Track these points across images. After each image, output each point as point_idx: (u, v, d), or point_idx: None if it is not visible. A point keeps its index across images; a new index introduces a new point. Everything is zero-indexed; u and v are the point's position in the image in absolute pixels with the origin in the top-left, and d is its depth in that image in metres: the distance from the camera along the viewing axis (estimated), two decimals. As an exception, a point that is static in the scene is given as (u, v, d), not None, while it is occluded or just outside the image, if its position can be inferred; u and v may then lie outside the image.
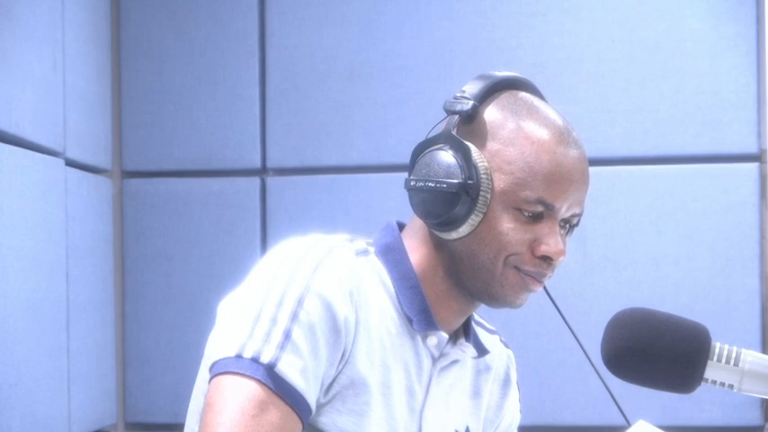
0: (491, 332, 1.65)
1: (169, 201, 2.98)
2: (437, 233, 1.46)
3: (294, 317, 1.34)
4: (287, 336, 1.33)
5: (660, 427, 1.36)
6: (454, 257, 1.46)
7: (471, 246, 1.43)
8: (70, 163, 2.64)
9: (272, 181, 2.95)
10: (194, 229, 2.97)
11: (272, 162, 2.95)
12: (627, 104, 2.83)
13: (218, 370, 1.34)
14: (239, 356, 1.33)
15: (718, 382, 1.21)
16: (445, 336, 1.49)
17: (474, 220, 1.42)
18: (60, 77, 2.58)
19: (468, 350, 1.53)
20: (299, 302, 1.35)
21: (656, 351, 1.22)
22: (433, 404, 1.50)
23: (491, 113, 1.45)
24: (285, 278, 1.37)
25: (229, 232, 2.94)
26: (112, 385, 2.94)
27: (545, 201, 1.42)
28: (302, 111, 2.94)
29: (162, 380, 2.96)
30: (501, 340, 1.66)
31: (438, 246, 1.47)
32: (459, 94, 1.46)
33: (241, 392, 1.31)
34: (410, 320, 1.46)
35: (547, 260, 1.43)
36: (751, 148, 2.79)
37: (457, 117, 1.45)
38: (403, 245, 1.49)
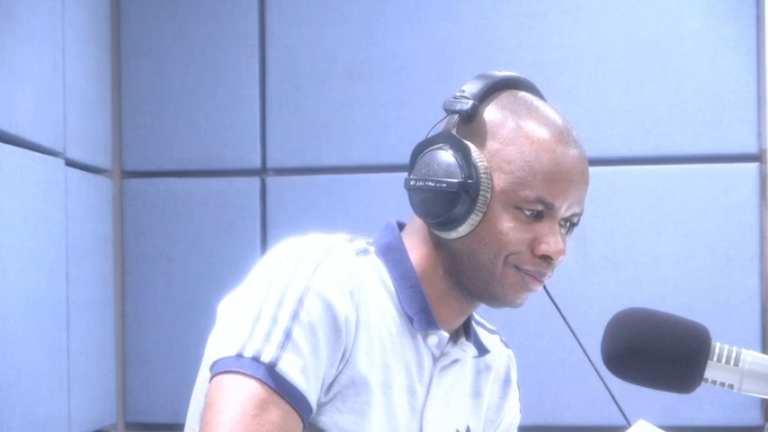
0: (491, 332, 1.65)
1: (169, 201, 2.98)
2: (437, 233, 1.46)
3: (295, 316, 1.34)
4: (287, 335, 1.33)
5: (660, 427, 1.36)
6: (454, 257, 1.46)
7: (471, 245, 1.43)
8: (70, 163, 2.64)
9: (272, 181, 2.95)
10: (194, 229, 2.97)
11: (272, 162, 2.95)
12: (627, 104, 2.83)
13: (218, 369, 1.34)
14: (240, 356, 1.33)
15: (718, 382, 1.21)
16: (446, 335, 1.49)
17: (474, 219, 1.42)
18: (60, 77, 2.58)
19: (468, 349, 1.53)
20: (300, 302, 1.35)
21: (656, 351, 1.22)
22: (434, 403, 1.50)
23: (491, 113, 1.45)
24: (285, 278, 1.37)
25: (229, 232, 2.94)
26: (112, 385, 2.94)
27: (545, 200, 1.42)
28: (302, 111, 2.94)
29: (162, 380, 2.96)
30: (501, 340, 1.66)
31: (438, 245, 1.47)
32: (458, 94, 1.46)
33: (242, 392, 1.31)
34: (411, 320, 1.46)
35: (547, 259, 1.43)
36: (751, 148, 2.79)
37: (457, 117, 1.45)
38: (403, 244, 1.50)
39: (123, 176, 3.02)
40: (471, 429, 1.57)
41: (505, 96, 1.47)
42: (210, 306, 1.48)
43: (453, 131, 1.44)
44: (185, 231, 2.97)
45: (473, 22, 2.88)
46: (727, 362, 1.20)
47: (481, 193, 1.41)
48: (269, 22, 2.95)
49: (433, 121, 1.51)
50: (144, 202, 2.99)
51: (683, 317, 1.24)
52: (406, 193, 1.48)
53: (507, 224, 1.42)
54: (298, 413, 1.33)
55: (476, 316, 1.60)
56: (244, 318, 1.36)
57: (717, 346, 1.21)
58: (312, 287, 1.36)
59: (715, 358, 1.20)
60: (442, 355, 1.50)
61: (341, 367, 1.39)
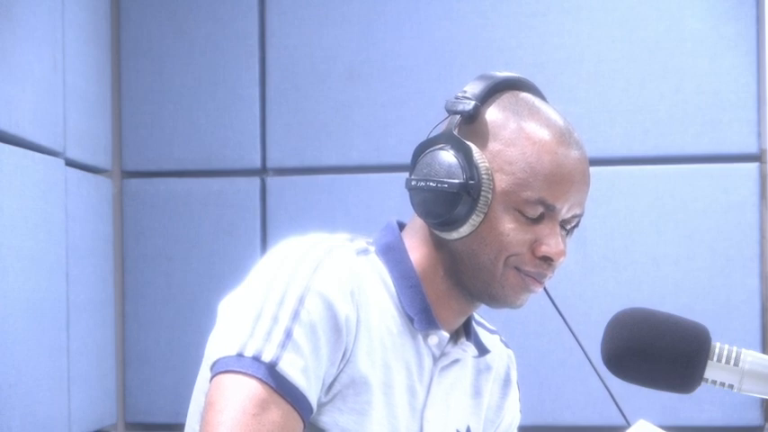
0: (491, 332, 1.65)
1: (169, 201, 2.98)
2: (438, 233, 1.46)
3: (295, 316, 1.34)
4: (288, 335, 1.33)
5: (660, 427, 1.36)
6: (455, 257, 1.46)
7: (472, 246, 1.44)
8: (70, 163, 2.64)
9: (272, 181, 2.95)
10: (194, 229, 2.97)
11: (272, 162, 2.95)
12: (627, 104, 2.83)
13: (219, 369, 1.34)
14: (240, 355, 1.33)
15: (718, 382, 1.21)
16: (446, 335, 1.49)
17: (475, 220, 1.42)
18: (60, 77, 2.58)
19: (468, 349, 1.54)
20: (300, 301, 1.35)
21: (656, 351, 1.22)
22: (435, 403, 1.50)
23: (492, 114, 1.46)
24: (286, 277, 1.37)
25: (229, 232, 2.94)
26: (112, 385, 2.94)
27: (546, 201, 1.42)
28: (302, 111, 2.94)
29: (162, 380, 2.96)
30: (501, 340, 1.66)
31: (438, 245, 1.47)
32: (460, 95, 1.46)
33: (242, 391, 1.31)
34: (411, 320, 1.46)
35: (547, 261, 1.44)
36: (751, 148, 2.79)
37: (458, 117, 1.45)
38: (403, 244, 1.50)
39: (123, 176, 3.02)
40: (471, 429, 1.57)
41: (507, 97, 1.47)
42: (210, 306, 1.48)
43: (455, 132, 1.44)
44: (185, 231, 2.97)
45: (473, 22, 2.88)
46: (727, 362, 1.20)
47: (482, 193, 1.41)
48: (269, 22, 2.95)
49: (434, 121, 1.51)
50: (144, 202, 2.99)
51: (683, 317, 1.24)
52: (406, 193, 1.48)
53: (508, 225, 1.42)
54: (298, 413, 1.33)
55: (476, 316, 1.60)
56: (244, 317, 1.36)
57: (717, 346, 1.21)
58: (313, 287, 1.36)
59: (715, 358, 1.20)
60: (443, 355, 1.50)
61: (341, 367, 1.39)
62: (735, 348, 1.21)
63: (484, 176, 1.42)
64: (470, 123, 1.45)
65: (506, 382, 1.65)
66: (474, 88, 1.46)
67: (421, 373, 1.48)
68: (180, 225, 2.97)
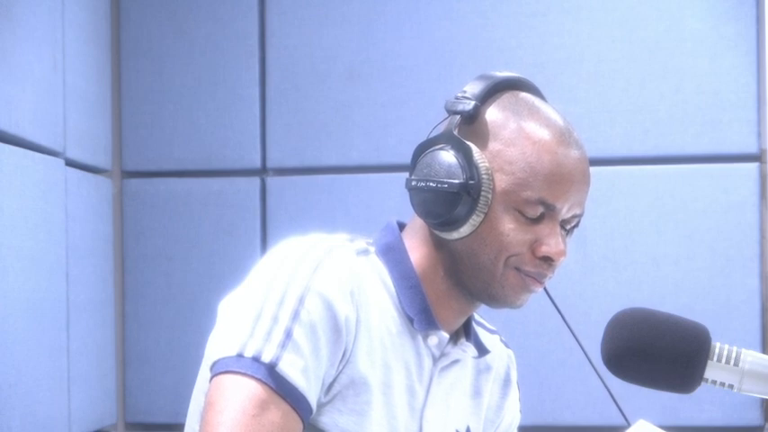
0: (491, 332, 1.65)
1: (169, 201, 2.98)
2: (438, 233, 1.46)
3: (295, 316, 1.34)
4: (288, 335, 1.33)
5: (660, 427, 1.36)
6: (455, 257, 1.46)
7: (472, 246, 1.44)
8: (70, 163, 2.64)
9: (272, 181, 2.95)
10: (194, 229, 2.97)
11: (272, 162, 2.95)
12: (627, 104, 2.83)
13: (218, 369, 1.34)
14: (240, 356, 1.33)
15: (718, 382, 1.21)
16: (446, 335, 1.49)
17: (475, 220, 1.42)
18: (60, 77, 2.58)
19: (468, 350, 1.53)
20: (300, 302, 1.35)
21: (656, 351, 1.22)
22: (434, 404, 1.50)
23: (492, 114, 1.45)
24: (286, 278, 1.37)
25: (229, 232, 2.94)
26: (112, 385, 2.94)
27: (546, 201, 1.42)
28: (302, 111, 2.94)
29: (162, 380, 2.96)
30: (501, 340, 1.66)
31: (439, 246, 1.47)
32: (460, 95, 1.46)
33: (242, 392, 1.31)
34: (411, 320, 1.46)
35: (547, 261, 1.43)
36: (751, 148, 2.79)
37: (458, 117, 1.45)
38: (403, 244, 1.50)
39: (123, 176, 3.02)
40: (471, 429, 1.57)
41: (507, 97, 1.47)
42: (210, 306, 1.48)
43: (455, 132, 1.44)
44: (185, 231, 2.97)
45: (473, 22, 2.88)
46: (727, 362, 1.20)
47: (482, 193, 1.41)
48: (269, 22, 2.95)
49: (434, 121, 1.51)
50: (144, 202, 2.99)
51: (683, 317, 1.24)
52: (406, 193, 1.48)
53: (508, 225, 1.42)
54: (298, 413, 1.33)
55: (476, 316, 1.60)
56: (244, 317, 1.36)
57: (717, 346, 1.21)
58: (312, 287, 1.36)
59: (715, 358, 1.20)
60: (442, 355, 1.50)
61: (341, 367, 1.39)
62: (735, 348, 1.21)
63: (484, 176, 1.42)
64: (470, 123, 1.45)
65: (506, 382, 1.64)
66: (474, 88, 1.46)
67: (420, 373, 1.48)
68: (180, 225, 2.97)
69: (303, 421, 1.34)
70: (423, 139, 1.48)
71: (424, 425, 1.49)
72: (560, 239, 1.44)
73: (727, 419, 2.77)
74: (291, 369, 1.32)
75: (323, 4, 2.94)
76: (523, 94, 1.48)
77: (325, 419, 1.39)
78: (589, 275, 2.82)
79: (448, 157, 1.43)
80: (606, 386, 1.50)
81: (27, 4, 2.40)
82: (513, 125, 1.44)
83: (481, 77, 1.48)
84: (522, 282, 1.45)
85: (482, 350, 1.56)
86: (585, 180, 1.46)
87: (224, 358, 1.34)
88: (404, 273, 1.48)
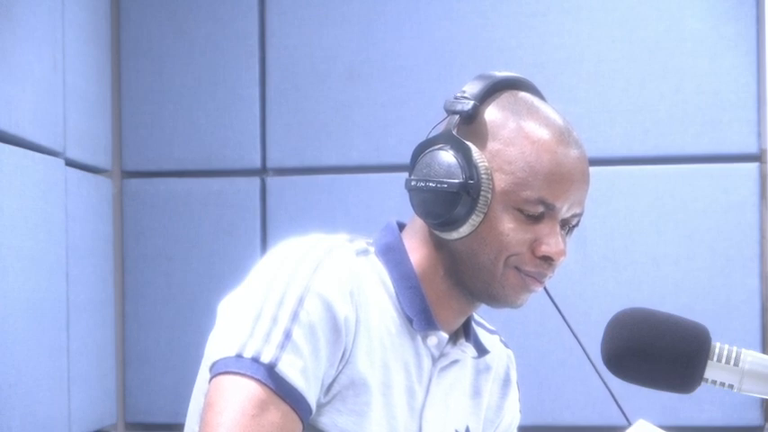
0: (491, 332, 1.65)
1: (169, 201, 2.98)
2: (438, 233, 1.46)
3: (294, 317, 1.34)
4: (287, 335, 1.33)
5: (660, 427, 1.36)
6: (455, 257, 1.46)
7: (472, 246, 1.43)
8: (70, 163, 2.64)
9: (272, 181, 2.95)
10: (194, 229, 2.97)
11: (272, 162, 2.95)
12: (627, 104, 2.83)
13: (218, 370, 1.34)
14: (240, 356, 1.33)
15: (718, 382, 1.21)
16: (445, 336, 1.49)
17: (475, 220, 1.42)
18: (60, 77, 2.58)
19: (468, 350, 1.53)
20: (300, 302, 1.35)
21: (656, 351, 1.22)
22: (433, 404, 1.50)
23: (491, 113, 1.45)
24: (285, 278, 1.37)
25: (229, 232, 2.94)
26: (112, 385, 2.94)
27: (546, 201, 1.42)
28: (302, 111, 2.94)
29: (162, 380, 2.96)
30: (501, 340, 1.66)
31: (438, 246, 1.47)
32: (459, 94, 1.46)
33: (241, 392, 1.31)
34: (410, 320, 1.46)
35: (547, 260, 1.43)
36: (751, 148, 2.79)
37: (457, 117, 1.45)
38: (403, 245, 1.49)
39: (123, 176, 3.02)
40: (471, 429, 1.57)
41: (506, 97, 1.47)
42: (210, 306, 1.48)
43: (454, 132, 1.44)
44: (185, 231, 2.97)
45: (473, 22, 2.88)
46: (727, 362, 1.20)
47: (482, 193, 1.41)
48: (269, 22, 2.95)
49: (434, 121, 1.51)
50: (144, 202, 2.99)
51: (683, 317, 1.24)
52: (406, 193, 1.48)
53: (508, 225, 1.42)
54: (297, 414, 1.33)
55: (475, 316, 1.60)
56: (244, 318, 1.36)
57: (717, 346, 1.21)
58: (312, 287, 1.36)
59: (715, 358, 1.20)
60: (442, 355, 1.50)
61: (340, 368, 1.39)
62: (735, 348, 1.21)
63: (483, 176, 1.42)
64: (469, 123, 1.45)
65: (506, 382, 1.64)
66: (473, 88, 1.46)
67: (420, 373, 1.48)
68: (180, 225, 2.97)
69: (302, 422, 1.34)
70: (422, 139, 1.48)
71: (423, 425, 1.49)
72: (560, 239, 1.44)
73: (727, 419, 2.77)
74: (291, 369, 1.32)
75: (323, 4, 2.94)
76: (522, 94, 1.48)
77: (325, 420, 1.39)
78: (589, 275, 2.82)
79: (447, 157, 1.43)
80: (607, 386, 1.50)
81: (27, 4, 2.40)
82: (512, 125, 1.44)
83: (480, 77, 1.48)
84: (522, 281, 1.44)
85: (481, 350, 1.56)
86: (585, 179, 1.46)
87: (223, 359, 1.34)
88: (403, 273, 1.48)
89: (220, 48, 2.96)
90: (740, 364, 1.19)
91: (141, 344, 2.98)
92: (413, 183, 1.46)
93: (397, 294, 1.47)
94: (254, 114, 2.95)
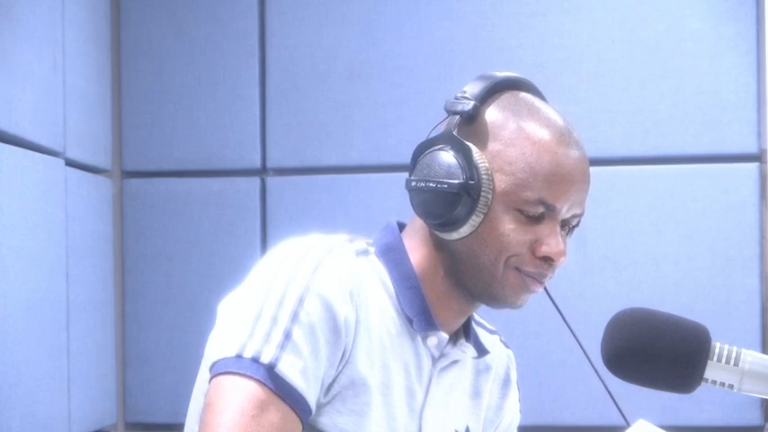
0: (491, 332, 1.65)
1: (169, 201, 2.98)
2: (438, 234, 1.46)
3: (294, 317, 1.34)
4: (287, 336, 1.33)
5: (660, 427, 1.36)
6: (455, 258, 1.46)
7: (472, 246, 1.43)
8: (70, 163, 2.64)
9: (272, 181, 2.95)
10: (194, 229, 2.97)
11: (272, 162, 2.95)
12: (627, 104, 2.83)
13: (218, 370, 1.34)
14: (239, 356, 1.33)
15: (718, 382, 1.21)
16: (445, 336, 1.49)
17: (475, 220, 1.42)
18: (60, 77, 2.58)
19: (468, 350, 1.53)
20: (300, 302, 1.35)
21: (656, 351, 1.22)
22: (433, 404, 1.50)
23: (492, 114, 1.45)
24: (285, 278, 1.37)
25: (229, 232, 2.94)
26: (112, 385, 2.94)
27: (546, 201, 1.42)
28: (302, 111, 2.94)
29: (162, 380, 2.96)
30: (501, 340, 1.66)
31: (438, 246, 1.47)
32: (460, 95, 1.46)
33: (241, 392, 1.31)
34: (410, 321, 1.46)
35: (548, 261, 1.43)
36: (751, 148, 2.79)
37: (458, 117, 1.45)
38: (403, 245, 1.49)
39: (123, 176, 3.02)
40: (471, 430, 1.57)
41: (507, 97, 1.47)
42: (210, 306, 1.48)
43: (455, 132, 1.44)
44: (185, 231, 2.97)
45: (473, 22, 2.88)
46: (727, 362, 1.20)
47: (482, 194, 1.41)
48: (269, 22, 2.95)
49: (434, 121, 1.51)
50: (144, 202, 2.99)
51: (683, 317, 1.24)
52: (406, 193, 1.48)
53: (508, 225, 1.42)
54: (297, 414, 1.33)
55: (475, 316, 1.60)
56: (244, 318, 1.36)
57: (717, 346, 1.21)
58: (312, 287, 1.36)
59: (715, 358, 1.20)
60: (442, 356, 1.50)
61: (340, 368, 1.39)
62: (735, 348, 1.21)
63: (484, 177, 1.41)
64: (470, 124, 1.45)
65: (506, 383, 1.64)
66: (473, 88, 1.46)
67: (420, 374, 1.48)
68: (180, 225, 2.97)
69: (302, 422, 1.34)
70: (423, 139, 1.48)
71: (423, 425, 1.49)
72: (560, 239, 1.44)
73: (727, 419, 2.77)
74: (290, 370, 1.32)
75: (323, 4, 2.94)
76: (523, 95, 1.48)
77: (325, 420, 1.39)
78: (589, 275, 2.82)
79: (447, 157, 1.43)
80: (606, 386, 1.50)
81: (27, 4, 2.40)
82: (512, 125, 1.44)
83: (481, 77, 1.48)
84: (522, 282, 1.44)
85: (481, 350, 1.56)
86: (585, 180, 1.46)
87: (223, 359, 1.34)
88: (403, 273, 1.47)
89: (220, 48, 2.96)
90: (740, 364, 1.19)
91: (141, 344, 2.98)
92: (413, 183, 1.45)
93: (397, 294, 1.47)
94: (254, 114, 2.95)
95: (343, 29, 2.93)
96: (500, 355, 1.64)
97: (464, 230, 1.43)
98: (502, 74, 1.49)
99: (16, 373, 2.27)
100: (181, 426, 1.52)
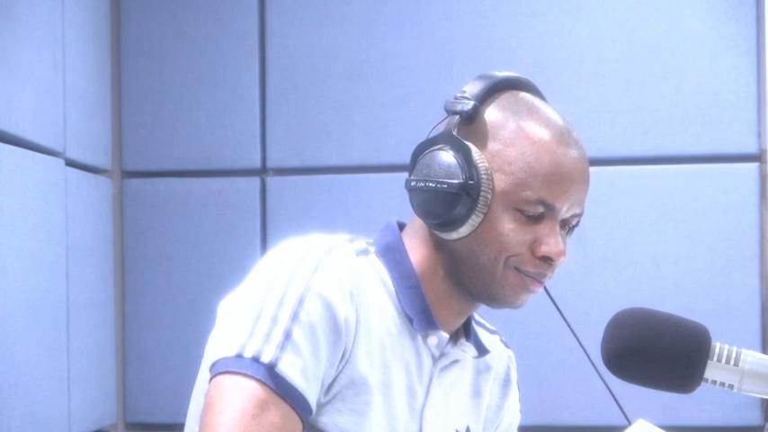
0: (491, 332, 1.65)
1: (169, 201, 2.98)
2: (438, 233, 1.46)
3: (294, 317, 1.34)
4: (287, 335, 1.33)
5: (660, 427, 1.36)
6: (455, 258, 1.46)
7: (472, 246, 1.43)
8: (70, 163, 2.64)
9: (272, 181, 2.95)
10: (194, 229, 2.97)
11: (272, 162, 2.95)
12: (627, 104, 2.83)
13: (218, 369, 1.34)
14: (240, 356, 1.33)
15: (718, 382, 1.21)
16: (445, 335, 1.49)
17: (474, 220, 1.42)
18: (60, 77, 2.58)
19: (468, 350, 1.53)
20: (300, 302, 1.35)
21: (656, 351, 1.22)
22: (434, 404, 1.50)
23: (492, 114, 1.45)
24: (285, 278, 1.37)
25: (229, 232, 2.94)
26: (112, 385, 2.94)
27: (545, 201, 1.42)
28: (302, 111, 2.94)
29: (162, 380, 2.96)
30: (501, 340, 1.66)
31: (438, 246, 1.47)
32: (459, 95, 1.46)
33: (241, 392, 1.31)
34: (410, 320, 1.46)
35: (547, 261, 1.43)
36: (751, 148, 2.79)
37: (457, 117, 1.45)
38: (403, 245, 1.49)
39: (123, 176, 3.02)
40: (471, 429, 1.57)
41: (506, 97, 1.47)
42: (210, 306, 1.48)
43: (454, 132, 1.44)
44: (185, 231, 2.97)
45: (473, 22, 2.88)
46: (727, 362, 1.20)
47: (482, 194, 1.41)
48: (269, 22, 2.95)
49: (434, 121, 1.51)
50: (144, 202, 2.99)
51: (683, 317, 1.24)
52: (406, 193, 1.48)
53: (508, 225, 1.42)
54: (297, 414, 1.33)
55: (476, 316, 1.60)
56: (244, 318, 1.36)
57: (717, 346, 1.21)
58: (312, 287, 1.36)
59: (715, 358, 1.20)
60: (442, 355, 1.50)
61: (341, 368, 1.39)
62: (735, 348, 1.21)
63: (483, 177, 1.41)
64: (469, 123, 1.45)
65: (506, 383, 1.64)
66: (473, 88, 1.46)
67: (420, 373, 1.48)
68: (180, 225, 2.97)
69: (303, 421, 1.34)
70: (422, 139, 1.48)
71: (423, 425, 1.49)
72: (560, 239, 1.44)
73: (727, 419, 2.77)
74: (291, 369, 1.32)
75: (323, 4, 2.94)
76: (523, 94, 1.48)
77: (325, 419, 1.39)
78: (589, 275, 2.82)
79: (447, 157, 1.43)
80: (607, 386, 1.50)
81: (27, 4, 2.40)
82: (512, 125, 1.44)
83: (480, 77, 1.48)
84: (521, 282, 1.44)
85: (482, 350, 1.56)
86: (585, 180, 1.46)
87: (223, 359, 1.34)
88: (404, 273, 1.48)
89: (220, 48, 2.96)
90: (740, 364, 1.19)
91: (141, 344, 2.98)
92: (413, 183, 1.46)
93: (397, 294, 1.47)
94: (254, 114, 2.95)
95: (343, 29, 2.93)
96: (500, 354, 1.64)
97: (464, 230, 1.43)
98: (501, 74, 1.49)
99: (16, 373, 2.27)
100: (181, 426, 1.52)
